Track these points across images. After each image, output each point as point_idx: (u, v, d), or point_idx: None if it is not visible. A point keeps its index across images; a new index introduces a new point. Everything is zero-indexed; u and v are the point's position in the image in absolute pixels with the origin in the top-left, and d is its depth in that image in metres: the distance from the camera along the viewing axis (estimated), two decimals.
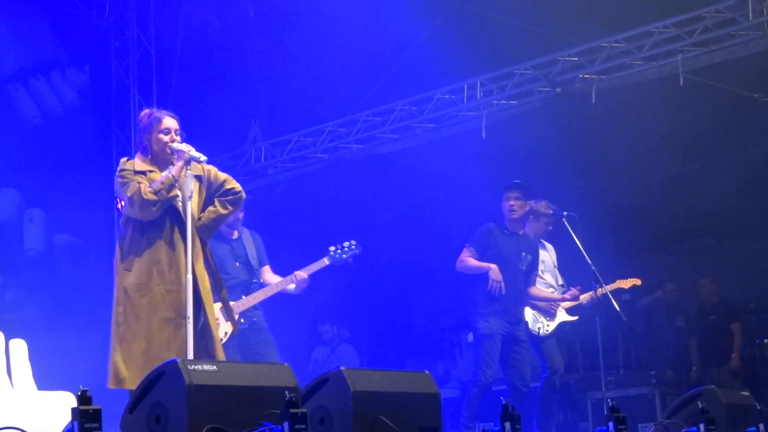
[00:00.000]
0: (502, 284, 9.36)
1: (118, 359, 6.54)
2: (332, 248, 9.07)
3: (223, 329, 8.59)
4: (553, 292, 10.13)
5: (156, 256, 6.63)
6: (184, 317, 6.51)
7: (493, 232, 9.65)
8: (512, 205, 9.65)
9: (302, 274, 8.92)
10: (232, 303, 8.71)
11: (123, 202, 6.73)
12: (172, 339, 6.53)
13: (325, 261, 9.02)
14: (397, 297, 14.73)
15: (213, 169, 6.96)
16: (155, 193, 6.53)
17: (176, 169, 6.64)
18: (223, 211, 6.97)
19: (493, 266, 9.42)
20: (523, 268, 9.64)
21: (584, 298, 10.05)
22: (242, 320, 8.73)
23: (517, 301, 9.57)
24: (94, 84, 13.77)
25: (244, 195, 7.12)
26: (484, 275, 9.47)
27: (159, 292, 6.59)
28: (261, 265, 9.15)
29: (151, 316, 6.56)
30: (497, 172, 11.86)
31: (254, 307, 8.90)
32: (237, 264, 8.97)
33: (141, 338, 6.53)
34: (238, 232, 9.12)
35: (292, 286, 8.96)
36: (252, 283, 8.97)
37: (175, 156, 6.72)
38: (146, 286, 6.60)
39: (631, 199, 13.58)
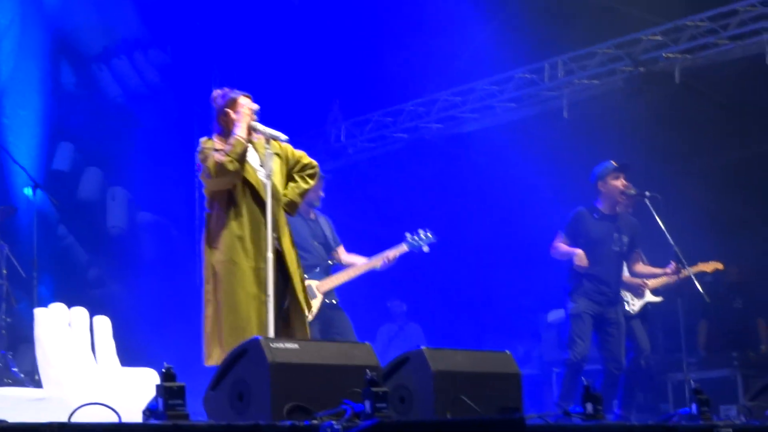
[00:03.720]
0: (587, 268, 9.41)
1: (212, 337, 6.57)
2: (408, 235, 9.12)
3: None
4: None
5: (240, 233, 6.66)
6: (270, 294, 6.54)
7: (582, 217, 9.71)
8: (626, 186, 9.67)
9: (394, 254, 8.97)
10: (315, 282, 8.77)
11: (202, 179, 6.74)
12: (258, 315, 6.55)
13: (404, 247, 9.06)
14: (476, 277, 14.68)
15: (289, 147, 7.00)
16: (226, 154, 6.57)
17: (239, 129, 6.67)
18: (305, 186, 7.05)
19: (578, 252, 9.49)
20: (617, 249, 9.66)
21: (666, 279, 10.00)
22: (334, 300, 8.81)
23: (610, 283, 9.59)
24: (175, 64, 13.87)
25: (318, 169, 7.17)
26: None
27: (246, 267, 6.62)
28: (336, 245, 9.18)
29: (238, 291, 6.57)
30: (578, 151, 11.78)
31: (333, 289, 8.94)
32: (315, 244, 9.00)
33: (232, 314, 6.56)
34: (315, 213, 9.16)
35: (379, 263, 8.99)
36: (329, 265, 9.01)
37: (252, 132, 6.76)
38: (233, 261, 6.61)
39: (715, 179, 13.41)
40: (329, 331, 8.78)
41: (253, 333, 6.33)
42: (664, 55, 11.50)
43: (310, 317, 8.59)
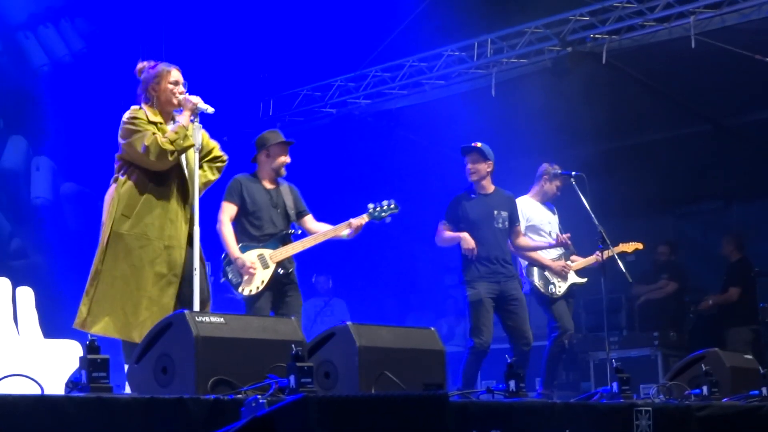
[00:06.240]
0: (474, 250, 9.39)
1: (90, 300, 6.49)
2: (371, 205, 8.88)
3: (259, 278, 8.51)
4: (560, 256, 10.13)
5: (158, 209, 6.60)
6: (177, 274, 6.59)
7: (458, 201, 9.69)
8: (469, 169, 9.68)
9: (359, 221, 8.74)
10: (269, 251, 8.60)
11: (128, 149, 6.62)
12: (161, 295, 6.52)
13: (365, 218, 8.81)
14: (401, 254, 14.72)
15: (205, 134, 6.89)
16: (172, 143, 6.50)
17: (185, 118, 6.62)
18: (213, 177, 6.95)
19: (463, 235, 9.46)
20: (500, 225, 9.62)
21: (590, 260, 10.08)
22: (280, 270, 8.59)
23: (500, 260, 9.54)
24: (102, 33, 13.70)
25: (226, 163, 7.10)
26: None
27: (158, 246, 6.56)
28: (301, 215, 8.95)
29: (146, 268, 6.52)
30: (506, 130, 11.84)
31: (289, 260, 8.76)
32: (275, 213, 8.76)
33: (128, 287, 6.50)
34: (277, 182, 8.98)
35: (346, 232, 8.81)
36: (287, 234, 8.80)
37: (183, 107, 6.71)
38: (146, 237, 6.56)
39: (640, 159, 13.57)
40: (280, 305, 8.60)
41: (155, 312, 6.38)
42: (591, 35, 11.61)
43: (260, 287, 8.50)
